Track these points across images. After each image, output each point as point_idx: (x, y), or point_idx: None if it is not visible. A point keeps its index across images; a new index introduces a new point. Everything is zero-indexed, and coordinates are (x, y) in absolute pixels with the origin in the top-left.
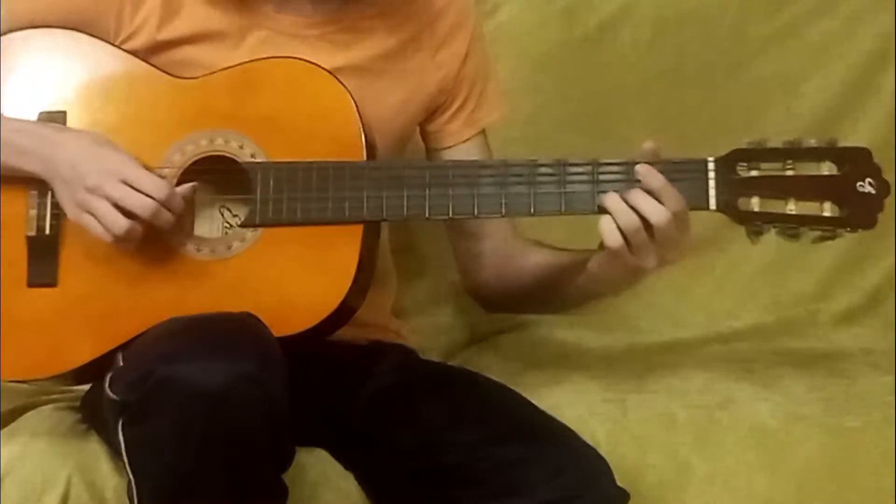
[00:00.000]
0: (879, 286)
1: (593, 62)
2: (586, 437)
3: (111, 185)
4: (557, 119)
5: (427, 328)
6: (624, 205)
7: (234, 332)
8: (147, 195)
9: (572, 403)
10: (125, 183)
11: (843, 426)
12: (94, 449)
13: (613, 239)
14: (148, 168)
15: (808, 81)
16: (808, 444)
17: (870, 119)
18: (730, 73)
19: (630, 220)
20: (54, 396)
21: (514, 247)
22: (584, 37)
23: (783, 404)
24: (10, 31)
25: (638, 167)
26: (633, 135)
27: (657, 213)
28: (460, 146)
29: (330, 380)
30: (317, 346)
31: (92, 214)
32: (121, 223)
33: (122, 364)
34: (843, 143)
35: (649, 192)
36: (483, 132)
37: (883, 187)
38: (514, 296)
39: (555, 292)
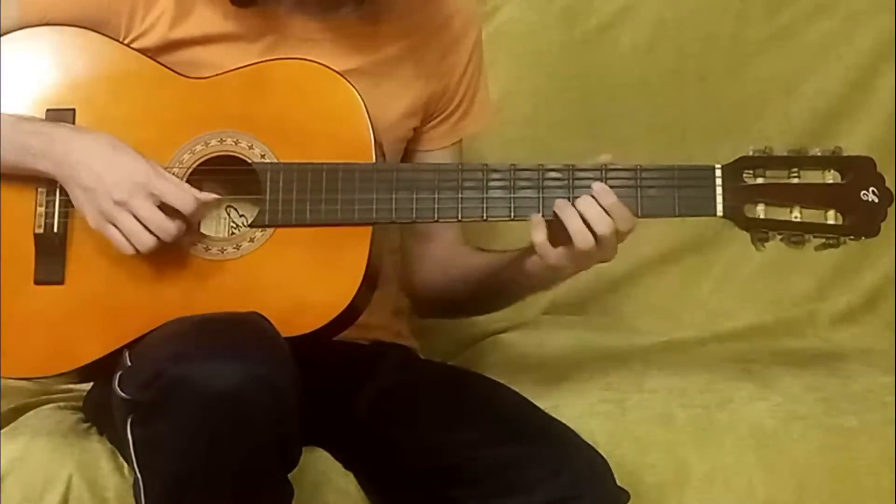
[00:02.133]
0: (878, 286)
1: (593, 63)
2: (586, 436)
3: (139, 202)
4: (557, 120)
5: (427, 328)
6: (583, 227)
7: (243, 333)
8: (175, 207)
9: (572, 403)
10: (153, 195)
11: (842, 426)
12: (96, 448)
13: (551, 258)
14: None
15: (806, 82)
16: (806, 444)
17: (869, 120)
18: (729, 74)
19: (587, 241)
20: (55, 396)
21: (459, 252)
22: (584, 38)
23: (782, 404)
24: (22, 28)
25: (594, 185)
26: (633, 135)
27: (601, 224)
28: (438, 152)
29: (331, 379)
30: (319, 345)
31: (117, 228)
32: (147, 242)
33: (131, 363)
34: (842, 144)
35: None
36: (460, 140)
37: (886, 196)
38: (452, 299)
39: (490, 293)
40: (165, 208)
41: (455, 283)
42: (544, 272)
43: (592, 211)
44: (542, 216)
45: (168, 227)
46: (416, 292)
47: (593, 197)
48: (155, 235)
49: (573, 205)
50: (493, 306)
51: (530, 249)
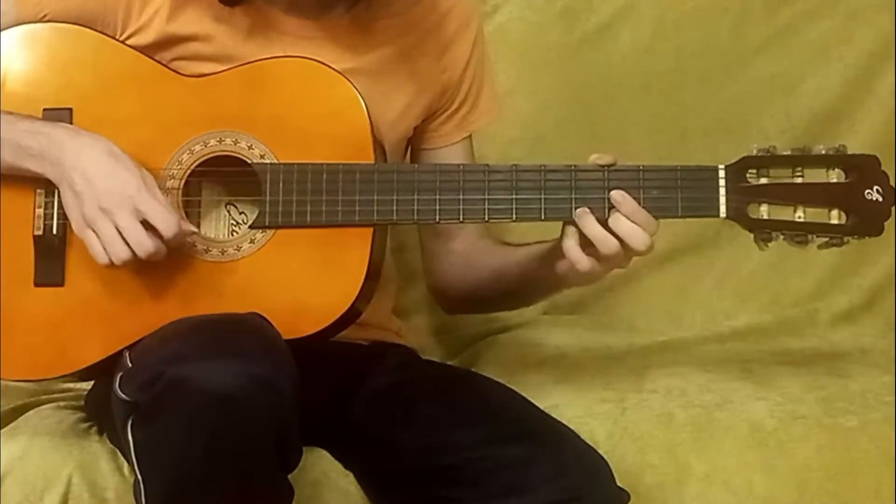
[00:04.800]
0: (878, 286)
1: (593, 63)
2: (585, 436)
3: (122, 213)
4: (557, 119)
5: (427, 328)
6: (604, 232)
7: (243, 334)
8: (157, 229)
9: (572, 403)
10: (139, 210)
11: (842, 426)
12: (95, 448)
13: (583, 263)
14: (154, 173)
15: (807, 82)
16: (806, 444)
17: (869, 119)
18: (729, 73)
19: (610, 246)
20: (55, 395)
21: (481, 247)
22: (584, 38)
23: (782, 404)
24: (19, 25)
25: (613, 193)
26: (633, 135)
27: (637, 238)
28: (448, 148)
29: (330, 379)
30: (317, 345)
31: (96, 234)
32: (120, 254)
33: (130, 364)
34: (841, 143)
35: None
36: (470, 136)
37: (890, 195)
38: (476, 295)
39: (518, 288)
40: (148, 227)
41: (478, 280)
42: (574, 272)
43: (625, 227)
44: (543, 217)
45: (145, 244)
46: (440, 290)
47: (617, 210)
48: (130, 249)
49: (604, 224)
50: (523, 301)
51: (556, 249)
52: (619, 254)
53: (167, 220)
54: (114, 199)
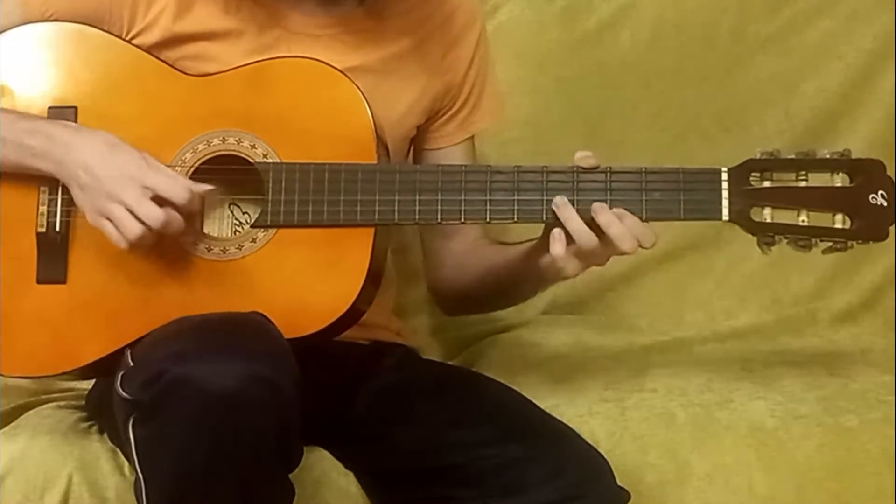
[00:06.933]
0: (878, 285)
1: (593, 62)
2: (586, 436)
3: (129, 193)
4: (557, 119)
5: (427, 328)
6: (585, 228)
7: (246, 333)
8: (168, 199)
9: (572, 403)
10: (146, 188)
11: (842, 425)
12: (96, 448)
13: (571, 267)
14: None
15: (807, 81)
16: (807, 444)
17: (869, 119)
18: (729, 73)
19: (590, 241)
20: (55, 395)
21: (479, 247)
22: (584, 37)
23: (782, 403)
24: (25, 24)
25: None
26: (633, 135)
27: (625, 241)
28: (450, 149)
29: (330, 379)
30: (318, 345)
31: (109, 220)
32: (135, 230)
33: (132, 363)
34: (841, 143)
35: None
36: (472, 137)
37: (894, 199)
38: (470, 294)
39: (510, 286)
40: (161, 201)
41: (471, 279)
42: (551, 270)
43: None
44: (545, 218)
45: (155, 214)
46: (438, 289)
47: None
48: (144, 224)
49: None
50: (515, 299)
51: (540, 246)
52: (597, 248)
53: (176, 188)
54: (118, 183)
